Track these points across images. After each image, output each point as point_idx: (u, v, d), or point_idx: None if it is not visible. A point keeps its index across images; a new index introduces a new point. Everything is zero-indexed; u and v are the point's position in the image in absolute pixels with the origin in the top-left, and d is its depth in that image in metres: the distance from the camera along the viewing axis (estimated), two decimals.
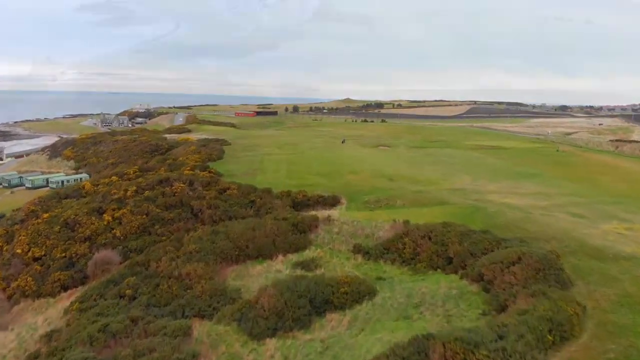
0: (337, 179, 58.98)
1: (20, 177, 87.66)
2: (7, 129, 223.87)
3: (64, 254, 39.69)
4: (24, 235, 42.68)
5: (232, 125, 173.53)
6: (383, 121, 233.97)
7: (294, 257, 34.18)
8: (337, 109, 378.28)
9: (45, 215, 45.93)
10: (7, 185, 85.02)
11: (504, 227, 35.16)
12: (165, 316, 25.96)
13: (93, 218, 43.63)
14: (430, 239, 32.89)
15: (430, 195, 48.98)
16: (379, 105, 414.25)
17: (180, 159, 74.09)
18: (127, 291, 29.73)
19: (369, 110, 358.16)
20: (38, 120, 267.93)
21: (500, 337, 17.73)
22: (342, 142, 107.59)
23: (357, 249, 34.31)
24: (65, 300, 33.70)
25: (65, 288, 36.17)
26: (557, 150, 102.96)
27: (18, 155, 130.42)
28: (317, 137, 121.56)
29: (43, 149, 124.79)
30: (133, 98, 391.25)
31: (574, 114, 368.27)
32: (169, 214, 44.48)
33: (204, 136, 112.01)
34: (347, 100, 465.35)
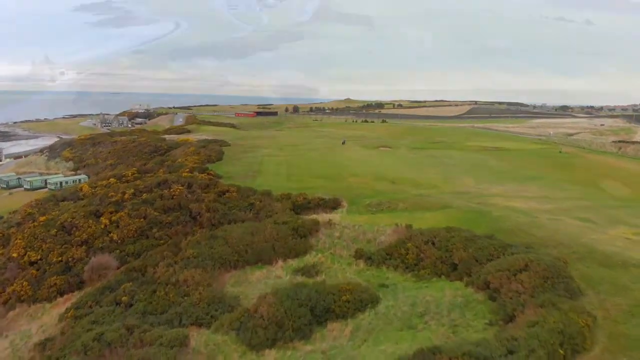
0: (338, 181, 58.24)
1: (19, 178, 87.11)
2: (7, 129, 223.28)
3: (60, 258, 38.95)
4: (20, 239, 41.95)
5: (232, 126, 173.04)
6: (384, 121, 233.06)
7: (294, 263, 33.43)
8: (337, 109, 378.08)
9: (42, 218, 45.18)
10: (5, 186, 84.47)
11: (509, 232, 34.32)
12: (162, 324, 25.21)
13: (90, 221, 42.92)
14: (433, 244, 32.08)
15: (432, 198, 48.18)
16: (380, 105, 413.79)
17: (179, 160, 73.38)
18: (123, 298, 29.03)
19: (370, 111, 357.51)
20: (37, 120, 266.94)
21: (511, 352, 17.03)
22: (343, 143, 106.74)
23: (359, 254, 33.51)
24: (62, 305, 33.00)
25: (61, 293, 35.46)
26: (560, 152, 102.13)
27: (17, 156, 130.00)
28: (318, 138, 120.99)
29: (42, 150, 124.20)
30: (133, 98, 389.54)
31: (575, 115, 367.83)
32: (167, 217, 43.76)
33: (203, 137, 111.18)
34: (348, 100, 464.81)
